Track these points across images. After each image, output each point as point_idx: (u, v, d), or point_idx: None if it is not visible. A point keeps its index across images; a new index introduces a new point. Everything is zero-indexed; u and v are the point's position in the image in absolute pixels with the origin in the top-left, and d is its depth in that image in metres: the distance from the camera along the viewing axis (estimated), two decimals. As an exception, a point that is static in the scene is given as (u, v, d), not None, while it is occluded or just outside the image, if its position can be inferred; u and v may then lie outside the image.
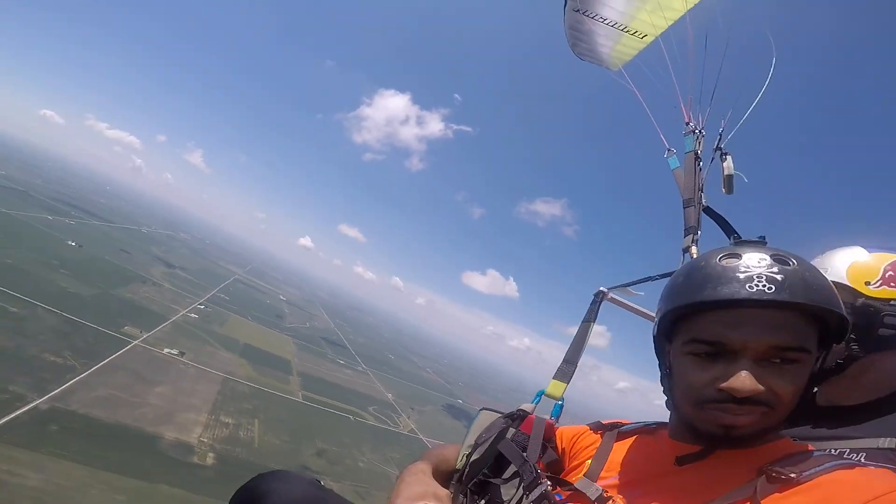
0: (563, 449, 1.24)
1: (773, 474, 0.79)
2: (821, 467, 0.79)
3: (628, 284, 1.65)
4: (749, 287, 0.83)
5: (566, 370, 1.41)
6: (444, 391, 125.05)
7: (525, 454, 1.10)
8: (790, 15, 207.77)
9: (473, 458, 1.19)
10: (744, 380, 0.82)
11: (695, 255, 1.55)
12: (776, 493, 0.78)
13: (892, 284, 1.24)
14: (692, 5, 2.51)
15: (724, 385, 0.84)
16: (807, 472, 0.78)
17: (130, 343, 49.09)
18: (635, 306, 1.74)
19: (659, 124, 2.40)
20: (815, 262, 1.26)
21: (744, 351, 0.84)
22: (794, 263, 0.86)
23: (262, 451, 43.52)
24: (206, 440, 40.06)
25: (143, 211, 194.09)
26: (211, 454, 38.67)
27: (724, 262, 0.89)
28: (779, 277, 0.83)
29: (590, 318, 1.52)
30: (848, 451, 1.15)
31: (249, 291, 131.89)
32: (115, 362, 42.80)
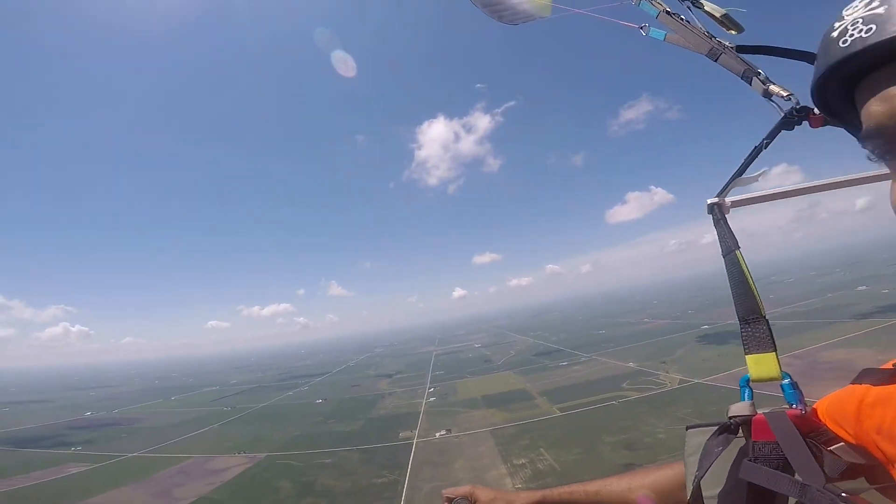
0: (854, 435, 0.83)
1: None
2: None
3: (736, 177, 1.19)
4: (842, 43, 0.61)
5: (757, 333, 0.93)
6: (678, 329, 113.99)
7: (795, 474, 0.71)
8: None
9: (709, 499, 0.86)
10: None
11: (781, 93, 1.19)
12: None
13: None
14: None
15: None
16: None
17: (412, 443, 56.72)
18: (769, 192, 1.24)
19: (610, 14, 1.99)
20: None
21: None
22: None
23: (569, 471, 44.31)
24: (520, 485, 42.66)
25: (339, 351, 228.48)
26: (533, 494, 41.21)
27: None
28: (881, 10, 0.61)
29: (731, 246, 1.05)
30: None
31: (452, 357, 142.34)
32: (416, 461, 49.53)
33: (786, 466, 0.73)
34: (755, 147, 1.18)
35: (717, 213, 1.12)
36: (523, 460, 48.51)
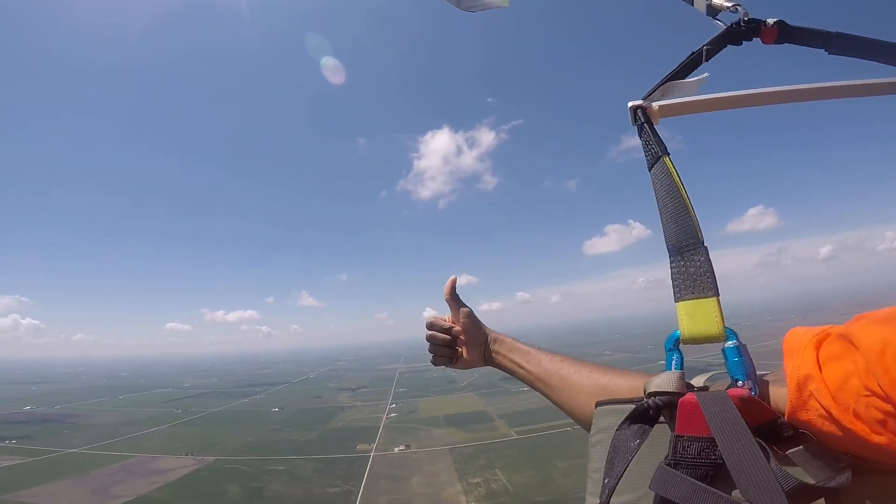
0: (853, 412, 0.46)
1: None
2: None
3: (669, 80, 0.92)
4: None
5: (692, 267, 0.61)
6: (637, 362, 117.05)
7: (734, 491, 0.43)
8: None
9: None
10: None
11: (726, 4, 0.90)
12: None
13: None
14: None
15: None
16: None
17: (369, 455, 56.64)
18: (709, 97, 0.96)
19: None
20: None
21: None
22: None
23: (521, 492, 45.33)
24: (475, 503, 43.53)
25: (299, 362, 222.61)
26: (486, 512, 41.59)
27: None
28: None
29: (657, 152, 0.77)
30: None
31: (416, 375, 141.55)
32: (372, 474, 49.49)
33: (719, 476, 0.44)
34: (693, 52, 0.90)
35: (642, 118, 0.85)
36: (478, 479, 49.23)
